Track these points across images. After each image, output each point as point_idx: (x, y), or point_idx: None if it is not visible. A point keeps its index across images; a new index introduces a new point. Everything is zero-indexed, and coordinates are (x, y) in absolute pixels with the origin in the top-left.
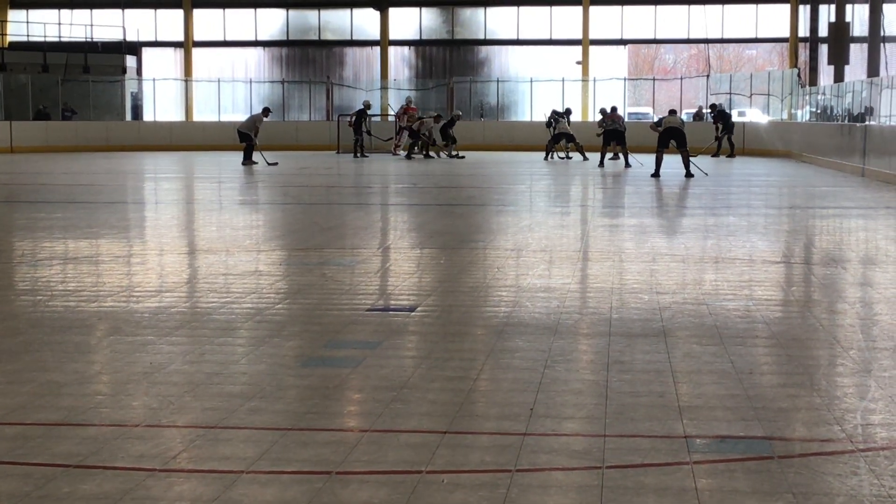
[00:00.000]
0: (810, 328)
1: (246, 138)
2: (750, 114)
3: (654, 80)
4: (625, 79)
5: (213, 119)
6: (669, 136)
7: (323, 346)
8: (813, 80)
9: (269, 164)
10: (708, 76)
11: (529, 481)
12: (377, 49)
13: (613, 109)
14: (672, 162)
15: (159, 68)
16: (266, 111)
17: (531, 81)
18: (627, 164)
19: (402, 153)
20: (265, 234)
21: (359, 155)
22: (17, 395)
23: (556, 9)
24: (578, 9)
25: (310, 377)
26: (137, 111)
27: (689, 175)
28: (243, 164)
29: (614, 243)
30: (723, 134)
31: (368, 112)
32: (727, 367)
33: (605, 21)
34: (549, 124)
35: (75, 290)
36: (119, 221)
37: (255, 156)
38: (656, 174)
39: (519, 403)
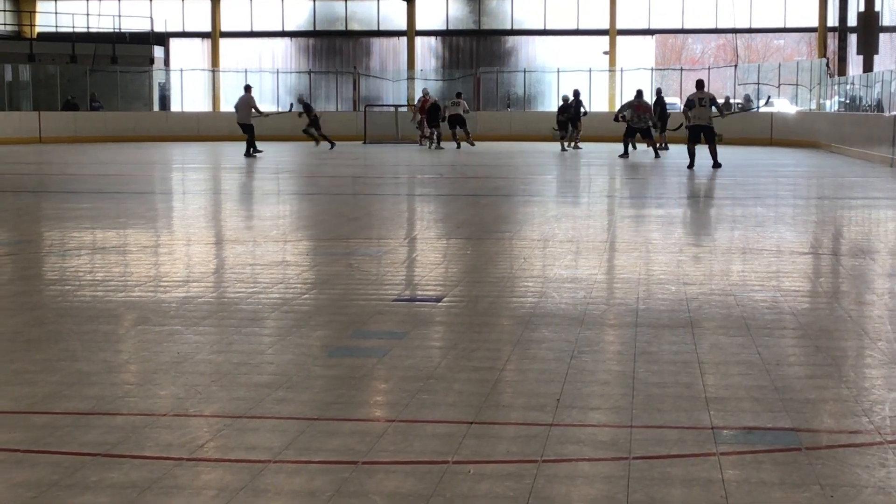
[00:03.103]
0: (838, 319)
1: (247, 129)
2: (778, 104)
3: (681, 70)
4: (652, 69)
5: None
6: (699, 131)
7: (349, 336)
8: (842, 70)
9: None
10: (736, 66)
11: (556, 472)
12: (404, 39)
13: (639, 95)
14: (700, 153)
15: (187, 59)
16: (248, 88)
17: (558, 72)
18: (657, 156)
19: (427, 144)
20: (292, 224)
21: (434, 146)
22: (45, 385)
23: None
24: None
25: (336, 367)
26: (165, 101)
27: (716, 165)
28: (246, 155)
29: (641, 234)
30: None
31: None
32: (754, 358)
33: (632, 11)
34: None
35: (103, 280)
36: (147, 211)
37: (259, 146)
38: (691, 166)
39: (545, 394)
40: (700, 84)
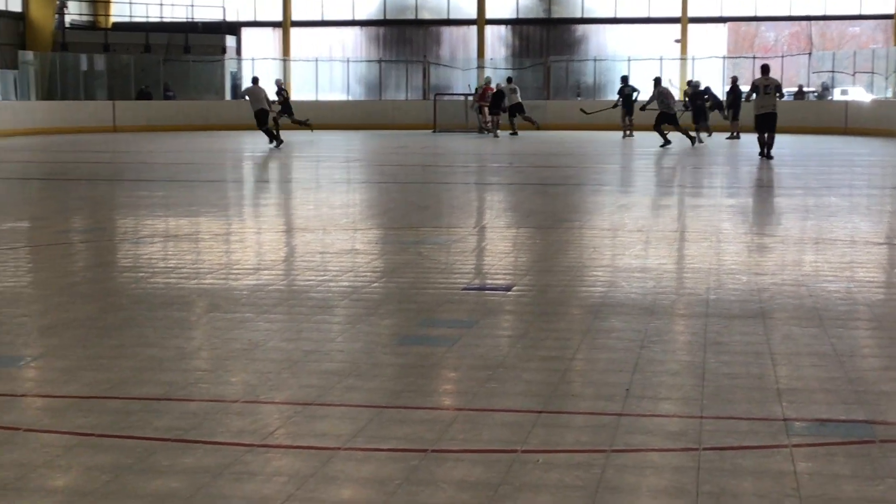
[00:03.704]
0: None
1: (262, 116)
2: (853, 92)
3: (753, 58)
4: (724, 57)
5: (310, 98)
6: (765, 120)
7: (419, 324)
8: None
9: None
10: (810, 54)
11: (625, 462)
12: (474, 28)
13: (658, 82)
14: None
15: (258, 48)
16: (256, 80)
17: (628, 60)
18: (693, 143)
19: (488, 132)
20: (362, 212)
21: (492, 134)
22: (119, 370)
23: None
24: None
25: (406, 355)
26: (237, 91)
27: (769, 157)
28: (276, 146)
29: (712, 223)
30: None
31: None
32: (827, 349)
33: None
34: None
35: (176, 268)
36: (218, 200)
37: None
38: (762, 154)
39: (614, 384)
40: (766, 69)
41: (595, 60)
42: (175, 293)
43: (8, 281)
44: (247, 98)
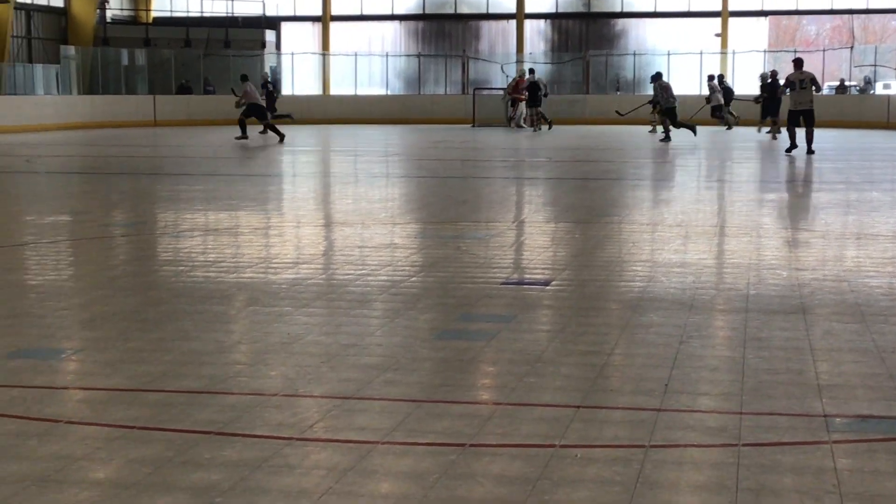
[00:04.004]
0: None
1: (257, 111)
2: None
3: (795, 52)
4: (765, 51)
5: (349, 93)
6: (800, 115)
7: (457, 318)
8: None
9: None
10: (852, 48)
11: (664, 457)
12: (513, 22)
13: (657, 77)
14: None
15: (298, 42)
16: (245, 78)
17: (668, 55)
18: (667, 138)
19: (526, 126)
20: (400, 207)
21: (537, 127)
22: (160, 363)
23: None
24: None
25: (444, 350)
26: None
27: (810, 152)
28: (281, 140)
29: (751, 218)
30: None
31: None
32: (869, 345)
33: None
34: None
35: (215, 261)
36: (258, 194)
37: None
38: (791, 149)
39: (653, 379)
40: (799, 63)
41: (635, 55)
42: (215, 287)
43: (49, 274)
44: (241, 97)
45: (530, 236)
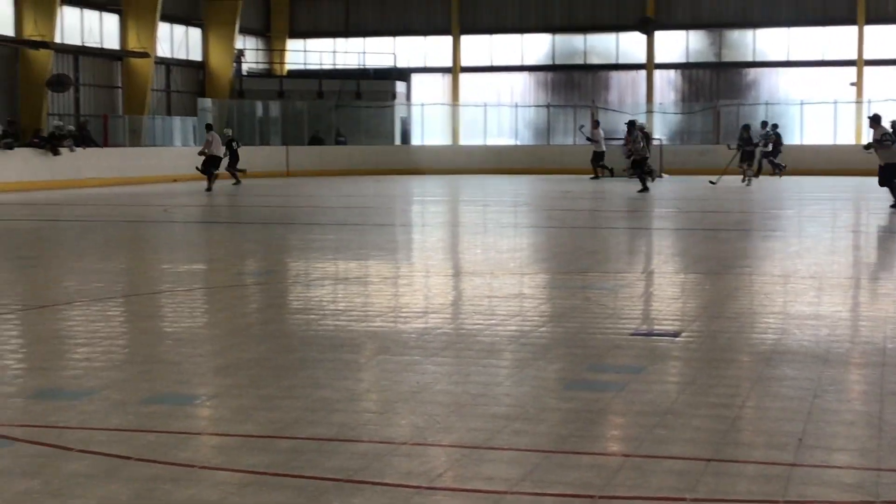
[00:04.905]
0: None
1: (212, 162)
2: None
3: None
4: None
5: (479, 143)
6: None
7: (586, 369)
8: None
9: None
10: None
11: None
12: (642, 72)
13: (630, 125)
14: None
15: (428, 93)
16: (210, 127)
17: (801, 104)
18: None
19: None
20: (529, 256)
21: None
22: (291, 410)
23: (829, 29)
24: (853, 28)
25: (573, 400)
26: (406, 135)
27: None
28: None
29: (887, 269)
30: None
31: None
32: None
33: (881, 40)
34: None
35: (345, 310)
36: (387, 243)
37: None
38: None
39: (787, 433)
40: (876, 120)
41: (767, 104)
42: (345, 335)
43: (185, 321)
44: (204, 146)
45: (659, 287)
